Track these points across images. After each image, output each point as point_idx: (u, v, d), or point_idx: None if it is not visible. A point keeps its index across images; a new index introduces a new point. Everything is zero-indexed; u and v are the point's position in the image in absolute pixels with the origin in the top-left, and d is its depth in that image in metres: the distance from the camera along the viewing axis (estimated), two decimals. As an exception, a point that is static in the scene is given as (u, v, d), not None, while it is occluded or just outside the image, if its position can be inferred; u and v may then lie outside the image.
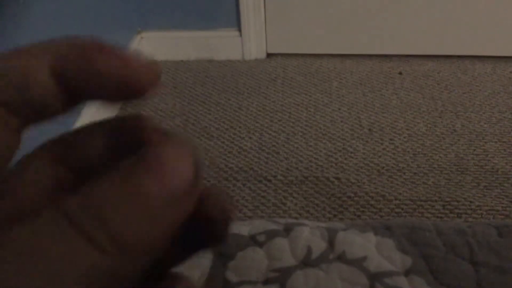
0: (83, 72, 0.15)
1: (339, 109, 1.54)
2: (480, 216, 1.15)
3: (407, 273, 0.51)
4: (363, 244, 0.54)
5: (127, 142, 0.17)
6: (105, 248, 0.12)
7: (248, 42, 1.78)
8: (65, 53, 0.15)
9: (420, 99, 1.57)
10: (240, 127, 1.48)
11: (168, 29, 1.79)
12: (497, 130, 1.42)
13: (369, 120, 1.48)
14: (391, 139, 1.40)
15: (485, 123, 1.45)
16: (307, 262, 0.53)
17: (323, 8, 1.73)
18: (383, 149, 1.37)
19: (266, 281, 0.51)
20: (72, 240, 0.12)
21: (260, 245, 0.55)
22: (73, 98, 0.16)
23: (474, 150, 1.35)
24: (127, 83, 0.15)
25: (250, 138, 1.43)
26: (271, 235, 0.56)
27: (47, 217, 0.12)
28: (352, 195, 1.22)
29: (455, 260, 0.52)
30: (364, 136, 1.42)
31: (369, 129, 1.44)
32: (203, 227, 0.17)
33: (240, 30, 1.77)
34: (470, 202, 1.18)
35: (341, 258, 0.53)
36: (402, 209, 1.18)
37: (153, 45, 1.81)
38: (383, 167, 1.30)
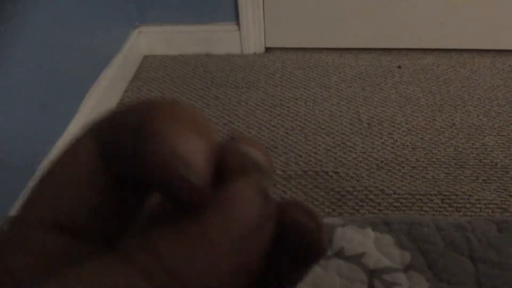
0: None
1: (338, 103, 1.53)
2: (479, 210, 1.15)
3: (406, 269, 0.51)
4: (361, 240, 0.54)
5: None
6: (160, 281, 0.12)
7: (246, 36, 1.78)
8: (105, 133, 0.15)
9: (419, 93, 1.56)
10: (238, 121, 1.47)
11: (166, 23, 1.78)
12: (496, 124, 1.42)
13: (368, 114, 1.48)
14: (390, 133, 1.40)
15: (484, 117, 1.45)
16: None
17: (322, 2, 1.72)
18: (382, 143, 1.36)
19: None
20: (127, 273, 0.12)
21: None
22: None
23: (473, 144, 1.35)
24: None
25: (249, 132, 1.42)
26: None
27: (107, 256, 0.13)
28: (351, 189, 1.21)
29: (454, 256, 0.51)
30: (363, 130, 1.42)
31: (368, 123, 1.44)
32: (296, 241, 0.16)
33: (238, 24, 1.76)
34: (469, 196, 1.18)
35: (340, 254, 0.53)
36: (401, 203, 1.17)
37: (151, 39, 1.80)
38: (382, 161, 1.30)
